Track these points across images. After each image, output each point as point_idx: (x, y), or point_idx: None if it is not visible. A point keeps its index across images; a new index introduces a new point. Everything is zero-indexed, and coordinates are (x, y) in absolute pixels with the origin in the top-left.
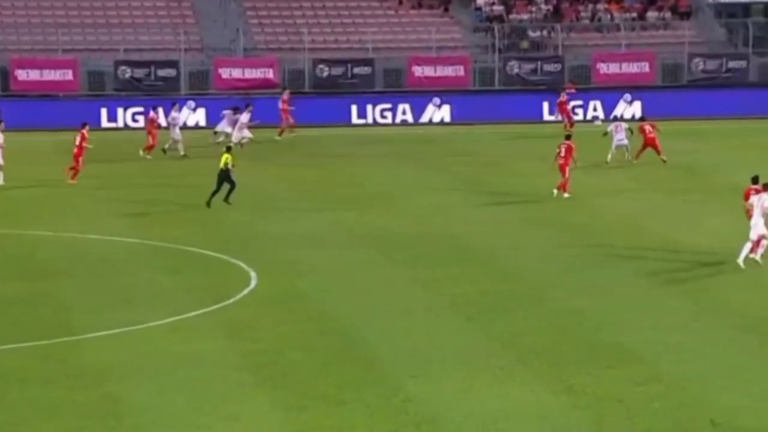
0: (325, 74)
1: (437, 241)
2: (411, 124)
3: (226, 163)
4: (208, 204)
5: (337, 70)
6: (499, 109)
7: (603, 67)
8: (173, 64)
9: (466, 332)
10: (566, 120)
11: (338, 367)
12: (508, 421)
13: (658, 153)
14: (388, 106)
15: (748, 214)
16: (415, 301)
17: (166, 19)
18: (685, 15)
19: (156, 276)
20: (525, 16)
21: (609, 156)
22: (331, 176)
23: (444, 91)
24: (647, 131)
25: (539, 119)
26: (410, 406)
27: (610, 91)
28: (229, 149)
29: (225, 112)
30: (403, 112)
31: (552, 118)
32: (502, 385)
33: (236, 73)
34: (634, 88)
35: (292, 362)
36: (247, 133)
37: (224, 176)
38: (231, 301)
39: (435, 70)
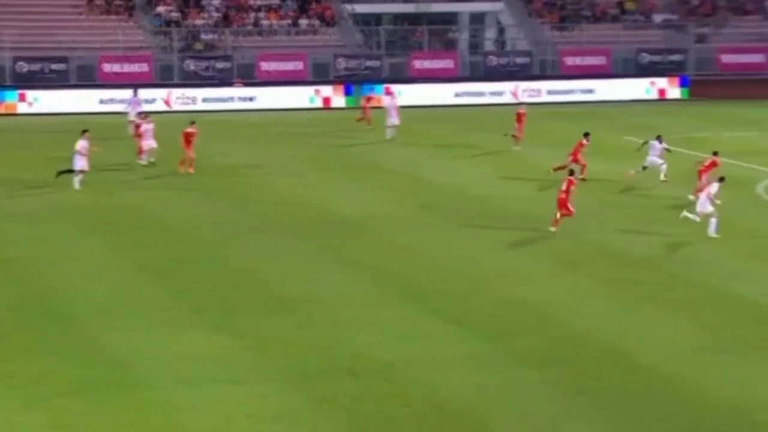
0: (25, 70)
1: (125, 212)
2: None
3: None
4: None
5: (35, 66)
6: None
7: (265, 65)
8: None
9: (151, 289)
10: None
11: (40, 323)
12: (188, 361)
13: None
14: None
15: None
16: (107, 265)
17: None
18: (330, 23)
19: None
20: (199, 22)
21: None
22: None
23: (130, 85)
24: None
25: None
26: (104, 353)
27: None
28: None
29: None
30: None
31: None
32: (182, 334)
33: None
34: (290, 83)
35: None
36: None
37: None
38: None
39: (122, 67)
